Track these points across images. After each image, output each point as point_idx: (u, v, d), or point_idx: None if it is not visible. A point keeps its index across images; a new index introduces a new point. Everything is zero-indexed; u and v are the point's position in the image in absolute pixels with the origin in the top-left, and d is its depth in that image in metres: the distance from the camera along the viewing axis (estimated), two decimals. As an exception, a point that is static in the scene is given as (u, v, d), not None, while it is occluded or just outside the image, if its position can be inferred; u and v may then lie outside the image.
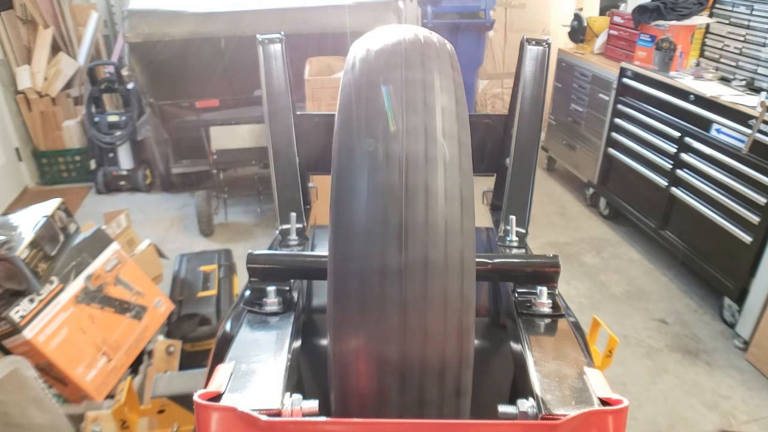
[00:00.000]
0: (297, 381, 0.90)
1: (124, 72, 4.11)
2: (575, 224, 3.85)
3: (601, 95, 3.70)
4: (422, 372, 0.68)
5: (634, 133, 3.37)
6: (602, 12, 4.41)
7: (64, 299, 1.91)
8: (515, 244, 1.24)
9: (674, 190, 3.06)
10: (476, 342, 1.07)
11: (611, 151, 3.62)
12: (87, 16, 4.68)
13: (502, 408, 0.70)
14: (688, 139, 2.94)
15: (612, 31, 3.82)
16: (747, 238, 2.55)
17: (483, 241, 1.43)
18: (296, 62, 2.24)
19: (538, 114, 1.30)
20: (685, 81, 3.01)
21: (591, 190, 3.97)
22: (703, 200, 2.87)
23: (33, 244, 1.84)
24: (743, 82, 2.93)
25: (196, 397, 0.63)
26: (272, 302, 0.94)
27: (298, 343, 0.93)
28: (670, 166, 3.08)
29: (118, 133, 4.11)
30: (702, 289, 3.07)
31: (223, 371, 0.72)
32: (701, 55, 3.36)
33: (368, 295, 0.67)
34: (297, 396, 0.69)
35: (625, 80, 3.43)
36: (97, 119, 4.12)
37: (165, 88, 3.83)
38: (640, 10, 3.42)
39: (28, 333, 1.78)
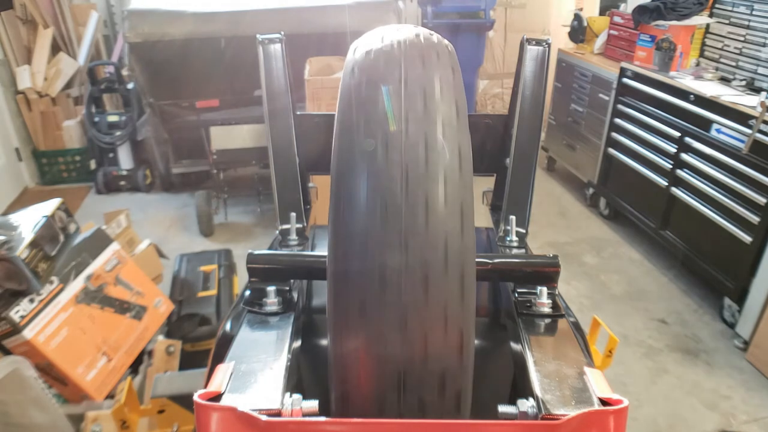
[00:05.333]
0: (297, 381, 0.90)
1: (124, 72, 4.11)
2: (575, 224, 3.85)
3: (601, 95, 3.70)
4: (422, 372, 0.68)
5: (634, 133, 3.37)
6: (602, 12, 4.41)
7: (64, 299, 1.91)
8: (515, 244, 1.24)
9: (674, 190, 3.06)
10: (476, 342, 1.07)
11: (611, 151, 3.62)
12: (87, 16, 4.68)
13: (502, 408, 0.70)
14: (688, 139, 2.94)
15: (612, 31, 3.82)
16: (747, 238, 2.55)
17: (483, 241, 1.43)
18: (296, 62, 2.24)
19: (538, 114, 1.30)
20: (685, 81, 3.01)
21: (591, 190, 3.97)
22: (703, 200, 2.87)
23: (33, 244, 1.84)
24: (743, 82, 2.93)
25: (196, 397, 0.63)
26: (272, 302, 0.94)
27: (298, 343, 0.93)
28: (670, 166, 3.08)
29: (118, 133, 4.11)
30: (702, 289, 3.07)
31: (223, 371, 0.72)
32: (701, 55, 3.36)
33: (368, 296, 0.67)
34: (297, 396, 0.68)
35: (625, 80, 3.43)
36: (97, 119, 4.12)
37: (165, 88, 3.83)
38: (640, 10, 3.42)
39: (28, 333, 1.78)
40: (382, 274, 0.66)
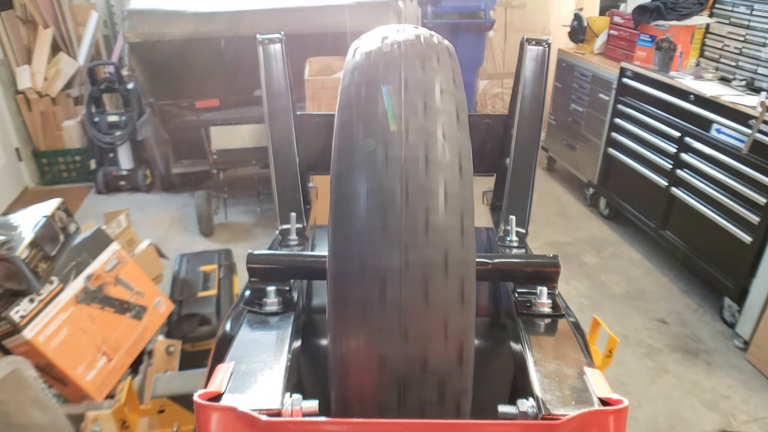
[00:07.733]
0: (297, 381, 0.90)
1: (124, 72, 4.11)
2: (575, 224, 3.85)
3: (601, 95, 3.70)
4: (423, 372, 0.68)
5: (634, 133, 3.37)
6: (602, 12, 4.41)
7: (64, 299, 1.91)
8: (515, 244, 1.24)
9: (674, 190, 3.06)
10: (476, 342, 1.07)
11: (611, 151, 3.62)
12: (87, 16, 4.68)
13: (502, 408, 0.70)
14: (688, 139, 2.94)
15: (612, 31, 3.82)
16: (747, 238, 2.55)
17: (483, 241, 1.43)
18: (296, 62, 2.24)
19: (538, 114, 1.30)
20: (685, 81, 3.01)
21: (591, 190, 3.97)
22: (703, 200, 2.87)
23: (33, 244, 1.84)
24: (743, 82, 2.93)
25: (196, 397, 0.63)
26: (272, 302, 0.94)
27: (298, 343, 0.92)
28: (670, 166, 3.07)
29: (118, 133, 4.11)
30: (702, 289, 3.07)
31: (223, 371, 0.72)
32: (701, 55, 3.36)
33: (368, 296, 0.67)
34: (297, 396, 0.68)
35: (625, 80, 3.43)
36: (97, 119, 4.12)
37: (165, 88, 3.83)
38: (640, 10, 3.42)
39: (28, 333, 1.78)
40: (382, 276, 0.66)
